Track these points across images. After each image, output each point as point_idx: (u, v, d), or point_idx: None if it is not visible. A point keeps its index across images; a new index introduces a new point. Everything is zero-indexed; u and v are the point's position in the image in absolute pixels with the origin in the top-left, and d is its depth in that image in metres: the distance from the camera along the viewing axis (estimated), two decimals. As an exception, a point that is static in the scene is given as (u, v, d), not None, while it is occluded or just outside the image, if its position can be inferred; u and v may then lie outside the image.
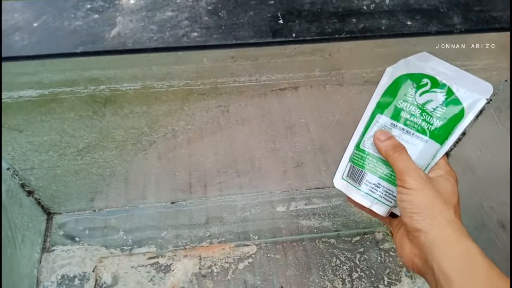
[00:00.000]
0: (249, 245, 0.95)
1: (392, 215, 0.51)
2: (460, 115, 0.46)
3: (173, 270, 0.91)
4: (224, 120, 0.75)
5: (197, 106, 0.70)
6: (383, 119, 0.48)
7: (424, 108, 0.47)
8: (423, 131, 0.47)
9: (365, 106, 0.51)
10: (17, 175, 0.81)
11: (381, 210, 0.49)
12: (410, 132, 0.47)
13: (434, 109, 0.47)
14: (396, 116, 0.48)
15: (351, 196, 0.50)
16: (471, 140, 0.84)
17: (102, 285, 0.89)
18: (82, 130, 0.71)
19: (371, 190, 0.48)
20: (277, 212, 1.00)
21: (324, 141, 0.85)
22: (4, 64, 0.54)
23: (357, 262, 0.94)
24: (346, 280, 0.91)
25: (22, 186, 0.84)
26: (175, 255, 0.93)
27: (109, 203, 0.97)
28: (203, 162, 0.86)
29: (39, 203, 0.91)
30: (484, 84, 0.46)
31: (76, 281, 0.89)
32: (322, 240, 0.97)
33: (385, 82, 0.49)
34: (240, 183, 0.97)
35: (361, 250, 0.96)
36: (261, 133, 0.80)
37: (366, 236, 0.98)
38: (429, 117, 0.47)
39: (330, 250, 0.95)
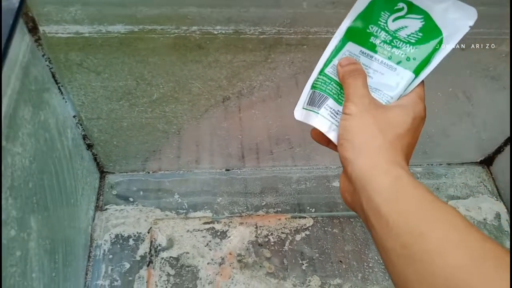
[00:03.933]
0: (305, 218, 0.93)
1: None
2: (438, 44, 0.42)
3: (229, 237, 0.89)
4: (304, 78, 0.72)
5: (282, 59, 0.67)
6: (352, 46, 0.44)
7: (397, 35, 0.43)
8: (394, 59, 0.43)
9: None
10: (81, 125, 0.78)
11: (336, 138, 0.43)
12: (379, 60, 0.43)
13: (408, 36, 0.42)
14: (365, 43, 0.44)
15: (309, 122, 0.44)
16: None
17: (157, 247, 0.87)
18: (161, 77, 0.69)
19: (330, 115, 0.43)
20: (333, 187, 0.97)
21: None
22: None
23: (418, 241, 0.91)
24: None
25: (84, 138, 0.82)
26: (231, 221, 0.91)
27: (163, 166, 0.94)
28: (269, 126, 0.84)
29: (95, 159, 0.89)
30: (467, 9, 0.41)
31: (131, 241, 0.87)
32: (381, 217, 0.94)
33: (358, 6, 0.44)
34: (295, 153, 0.94)
35: (421, 229, 0.93)
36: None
37: (426, 216, 0.94)
38: (402, 44, 0.42)
39: (389, 228, 0.92)
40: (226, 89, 0.72)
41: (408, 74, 0.42)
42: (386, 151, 0.37)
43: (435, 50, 0.42)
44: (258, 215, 0.92)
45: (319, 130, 0.44)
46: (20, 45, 0.57)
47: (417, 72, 0.42)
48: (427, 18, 0.42)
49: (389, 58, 0.43)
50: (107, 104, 0.73)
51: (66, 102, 0.73)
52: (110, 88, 0.70)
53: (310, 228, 0.91)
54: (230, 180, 0.97)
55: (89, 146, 0.84)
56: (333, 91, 0.43)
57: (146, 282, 0.83)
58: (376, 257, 0.88)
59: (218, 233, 0.89)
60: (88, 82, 0.69)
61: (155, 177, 0.95)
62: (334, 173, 0.99)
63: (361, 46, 0.44)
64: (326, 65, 0.45)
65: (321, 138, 0.45)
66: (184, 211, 0.91)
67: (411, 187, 0.35)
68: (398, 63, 0.42)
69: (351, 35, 0.44)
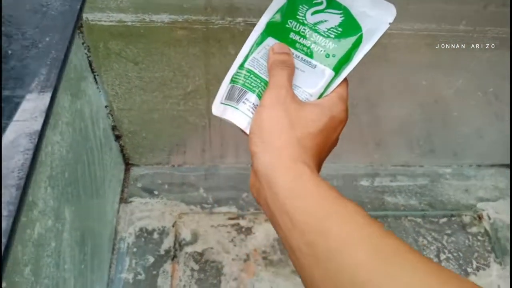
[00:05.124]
0: (331, 216, 0.91)
1: None
2: (358, 41, 0.40)
3: (254, 233, 0.88)
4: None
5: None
6: (271, 41, 0.42)
7: (316, 28, 0.41)
8: (312, 56, 0.40)
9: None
10: (111, 115, 0.77)
11: None
12: (299, 57, 0.41)
13: (328, 30, 0.41)
14: (285, 38, 0.41)
15: (226, 117, 0.41)
16: None
17: (182, 241, 0.86)
18: (198, 69, 0.67)
19: (249, 110, 0.40)
20: (361, 186, 0.96)
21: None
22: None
23: (445, 244, 0.90)
24: (434, 261, 0.87)
25: (113, 128, 0.81)
26: (256, 218, 0.89)
27: (188, 160, 0.93)
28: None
29: (121, 151, 0.88)
30: (387, 6, 0.39)
31: (155, 235, 0.86)
32: (408, 218, 0.93)
33: (278, 1, 0.42)
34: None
35: (448, 232, 0.91)
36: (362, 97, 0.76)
37: (453, 219, 0.93)
38: (321, 39, 0.40)
39: (416, 229, 0.91)
40: (263, 83, 0.71)
41: (328, 72, 0.40)
42: (292, 147, 0.35)
43: (354, 46, 0.40)
44: (284, 212, 0.91)
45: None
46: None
47: (336, 69, 0.40)
48: (346, 13, 0.41)
49: (309, 54, 0.40)
50: (141, 95, 0.72)
51: (100, 91, 0.71)
52: (146, 79, 0.69)
53: (336, 227, 0.90)
54: (255, 176, 0.95)
55: (117, 137, 0.83)
56: (252, 84, 0.40)
57: (171, 276, 0.82)
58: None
59: (243, 229, 0.88)
60: (125, 72, 0.68)
61: (180, 171, 0.94)
62: (362, 172, 0.97)
63: (280, 42, 0.42)
64: (245, 59, 0.42)
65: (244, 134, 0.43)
66: (209, 205, 0.90)
67: (313, 185, 0.33)
68: (317, 59, 0.40)
69: (271, 30, 0.42)
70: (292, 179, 0.33)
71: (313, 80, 0.40)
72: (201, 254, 0.85)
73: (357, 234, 0.30)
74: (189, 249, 0.85)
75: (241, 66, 0.42)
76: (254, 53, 0.42)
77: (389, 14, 0.39)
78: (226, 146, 0.89)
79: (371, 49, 0.39)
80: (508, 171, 1.00)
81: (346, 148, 0.91)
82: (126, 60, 0.65)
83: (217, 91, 0.71)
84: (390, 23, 0.39)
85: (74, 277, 0.62)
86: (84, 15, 0.58)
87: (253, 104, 0.39)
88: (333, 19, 0.41)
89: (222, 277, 0.83)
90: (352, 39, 0.40)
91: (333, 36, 0.40)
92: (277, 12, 0.42)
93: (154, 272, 0.82)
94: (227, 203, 0.91)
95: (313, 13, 0.41)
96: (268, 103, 0.37)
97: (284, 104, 0.36)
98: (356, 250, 0.29)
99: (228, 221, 0.89)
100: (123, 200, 0.89)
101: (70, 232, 0.60)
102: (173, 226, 0.87)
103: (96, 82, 0.69)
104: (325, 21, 0.41)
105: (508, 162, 1.00)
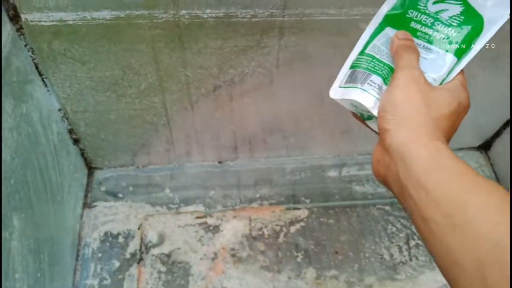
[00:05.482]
0: (300, 209, 0.91)
1: None
2: (479, 29, 0.42)
3: (222, 231, 0.86)
4: (298, 65, 0.70)
5: (275, 43, 0.65)
6: (390, 31, 0.44)
7: (438, 17, 0.42)
8: (433, 43, 0.42)
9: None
10: (67, 119, 0.75)
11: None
12: (420, 45, 0.42)
13: (450, 18, 0.42)
14: (405, 27, 0.43)
15: (350, 97, 0.42)
16: None
17: (148, 243, 0.84)
18: (149, 66, 0.66)
19: (374, 90, 0.41)
20: (328, 177, 0.96)
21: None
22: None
23: (414, 230, 0.89)
24: (403, 248, 0.87)
25: (70, 132, 0.79)
26: (224, 215, 0.88)
27: (153, 160, 0.91)
28: (262, 116, 0.81)
29: (82, 154, 0.86)
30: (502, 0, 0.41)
31: (120, 239, 0.84)
32: (377, 207, 0.92)
33: None
34: (289, 143, 0.92)
35: (418, 218, 0.91)
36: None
37: (421, 205, 0.93)
38: (443, 27, 0.42)
39: (385, 217, 0.91)
40: (217, 77, 0.70)
41: (450, 57, 0.42)
42: (429, 127, 0.37)
43: (475, 34, 0.42)
44: (252, 207, 0.90)
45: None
46: (1, 34, 0.54)
47: (458, 55, 0.42)
48: (465, 3, 0.42)
49: (430, 41, 0.42)
50: (93, 95, 0.70)
51: (50, 94, 0.70)
52: (96, 79, 0.67)
53: (305, 220, 0.90)
54: (223, 173, 0.94)
55: (76, 141, 0.81)
56: (376, 67, 0.42)
57: (137, 280, 0.81)
58: (372, 247, 0.86)
59: (211, 228, 0.87)
60: (73, 73, 0.66)
61: (145, 172, 0.93)
62: (329, 163, 0.97)
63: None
64: (365, 47, 0.44)
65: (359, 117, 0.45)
66: (176, 205, 0.89)
67: (451, 159, 0.35)
68: (440, 46, 0.42)
69: (390, 20, 0.44)
70: (429, 154, 0.35)
71: (437, 65, 0.42)
72: (168, 256, 0.83)
73: (498, 205, 0.31)
74: (155, 251, 0.84)
75: (362, 53, 0.44)
76: (374, 41, 0.44)
77: (506, 6, 0.41)
78: (191, 144, 0.88)
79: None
80: (477, 153, 1.00)
81: (312, 139, 0.90)
82: (73, 60, 0.63)
83: (170, 87, 0.70)
84: (509, 14, 0.41)
85: (29, 285, 0.60)
86: (23, 16, 0.56)
87: (378, 85, 0.41)
88: (454, 8, 0.42)
89: (190, 277, 0.81)
90: (474, 27, 0.41)
91: (455, 24, 0.42)
92: (396, 4, 0.44)
93: (120, 277, 0.81)
94: (194, 202, 0.90)
95: (434, 3, 0.43)
96: (402, 82, 0.38)
97: (418, 84, 0.38)
98: (498, 219, 0.30)
99: (195, 220, 0.88)
100: (87, 205, 0.87)
101: (20, 240, 0.58)
102: (138, 228, 0.85)
103: (46, 85, 0.67)
104: (446, 10, 0.42)
105: (477, 145, 1.00)
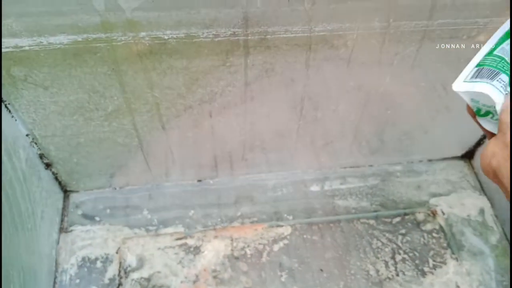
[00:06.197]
0: (283, 226, 0.89)
1: None
2: None
3: (203, 252, 0.84)
4: (268, 82, 0.68)
5: (241, 62, 0.64)
6: None
7: None
8: None
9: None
10: (36, 143, 0.74)
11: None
12: None
13: None
14: None
15: (479, 89, 0.46)
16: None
17: (127, 267, 0.82)
18: (114, 88, 0.64)
19: (502, 87, 0.45)
20: (311, 192, 0.94)
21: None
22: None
23: (400, 244, 0.87)
24: (389, 263, 0.85)
25: (41, 157, 0.77)
26: (204, 235, 0.86)
27: (131, 180, 0.90)
28: (239, 133, 0.79)
29: (56, 178, 0.84)
30: None
31: (98, 264, 0.82)
32: (361, 221, 0.90)
33: None
34: (269, 159, 0.90)
35: (403, 231, 0.89)
36: (306, 100, 0.73)
37: (406, 217, 0.91)
38: None
39: (370, 232, 0.89)
40: (186, 97, 0.68)
41: None
42: None
43: None
44: (233, 226, 0.88)
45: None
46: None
47: None
48: None
49: None
50: (60, 120, 0.69)
51: (16, 120, 0.68)
52: (61, 103, 0.66)
53: (288, 237, 0.87)
54: (203, 192, 0.92)
55: (48, 165, 0.79)
56: (505, 68, 0.45)
57: (117, 305, 0.79)
58: (358, 263, 0.84)
59: (191, 249, 0.85)
60: (37, 98, 0.64)
61: (123, 193, 0.91)
62: (311, 177, 0.95)
63: None
64: (493, 49, 0.47)
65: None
66: (154, 227, 0.87)
67: None
68: None
69: None
70: None
71: None
72: (148, 280, 0.81)
73: None
74: (135, 275, 0.82)
75: (490, 54, 0.47)
76: (503, 44, 0.47)
77: None
78: (167, 164, 0.86)
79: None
80: (461, 162, 0.98)
81: (292, 153, 0.89)
82: (34, 85, 0.62)
83: (139, 108, 0.69)
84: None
85: (-4, 320, 0.58)
86: (-24, 44, 0.55)
87: (505, 83, 0.44)
88: None
89: (171, 301, 0.79)
90: None
91: None
92: None
93: (98, 303, 0.78)
94: (173, 223, 0.88)
95: None
96: None
97: None
98: None
99: (175, 241, 0.85)
100: (63, 229, 0.85)
101: (-16, 273, 0.57)
102: (117, 252, 0.83)
103: (9, 111, 0.66)
104: None
105: (460, 154, 0.98)
